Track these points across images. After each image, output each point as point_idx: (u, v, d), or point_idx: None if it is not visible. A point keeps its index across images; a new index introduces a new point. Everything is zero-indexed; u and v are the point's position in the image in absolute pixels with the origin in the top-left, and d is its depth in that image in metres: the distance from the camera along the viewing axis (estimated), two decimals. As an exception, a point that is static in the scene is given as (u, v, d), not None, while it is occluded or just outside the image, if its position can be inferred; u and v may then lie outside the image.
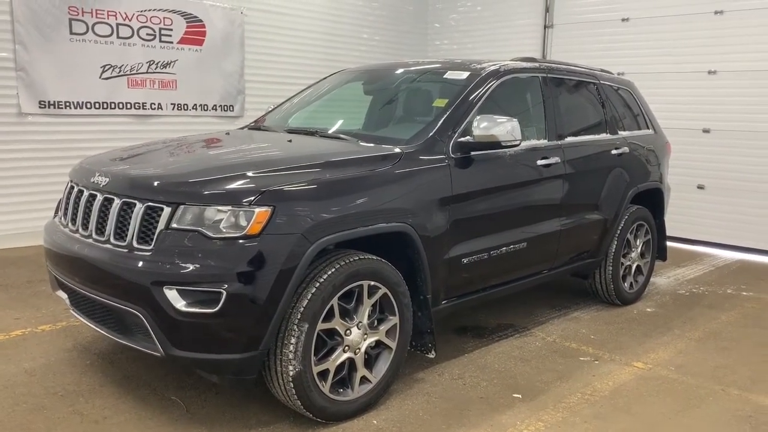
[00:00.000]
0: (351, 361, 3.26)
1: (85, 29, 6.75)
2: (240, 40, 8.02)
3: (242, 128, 4.71)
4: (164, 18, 7.32)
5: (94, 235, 3.18)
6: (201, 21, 7.63)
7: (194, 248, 2.86)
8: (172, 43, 7.42)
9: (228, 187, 2.96)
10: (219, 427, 3.17)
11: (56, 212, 3.74)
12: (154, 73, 7.32)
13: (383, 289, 3.31)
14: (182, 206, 2.92)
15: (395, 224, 3.33)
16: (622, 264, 5.27)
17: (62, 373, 3.70)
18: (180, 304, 2.83)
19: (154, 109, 7.39)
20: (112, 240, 3.08)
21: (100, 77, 6.92)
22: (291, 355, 2.96)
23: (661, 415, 3.49)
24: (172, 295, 2.83)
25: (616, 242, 5.11)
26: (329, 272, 3.05)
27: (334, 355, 3.17)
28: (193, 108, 7.72)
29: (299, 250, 2.93)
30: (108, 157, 3.73)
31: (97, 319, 3.27)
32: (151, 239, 2.95)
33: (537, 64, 4.58)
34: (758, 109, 7.20)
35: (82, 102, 6.83)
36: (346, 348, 3.21)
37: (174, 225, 2.91)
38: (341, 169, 3.28)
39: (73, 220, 3.39)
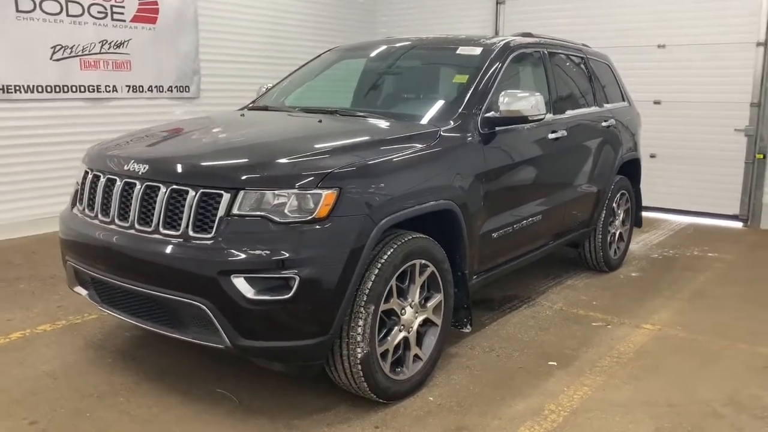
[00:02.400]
0: (405, 340, 3.25)
1: (32, 6, 6.26)
2: (194, 17, 7.68)
3: (242, 109, 4.54)
4: (115, -6, 6.90)
5: (136, 226, 3.00)
6: (153, -3, 7.25)
7: (261, 234, 2.76)
8: (124, 21, 7.01)
9: (292, 170, 2.86)
10: (280, 416, 3.09)
11: (74, 203, 3.49)
12: (107, 53, 6.90)
13: (431, 267, 3.31)
14: (243, 191, 2.79)
15: (442, 201, 3.34)
16: (609, 232, 5.49)
17: (87, 374, 3.49)
18: (250, 292, 2.72)
19: (109, 91, 6.98)
20: (161, 230, 2.92)
21: (50, 58, 6.46)
22: (359, 338, 2.93)
23: (688, 371, 3.69)
24: (240, 283, 2.72)
25: (605, 211, 5.32)
26: (388, 252, 3.02)
27: (391, 335, 3.16)
28: (148, 90, 7.35)
29: (366, 231, 2.88)
30: (133, 142, 3.50)
31: (139, 313, 3.10)
32: (209, 227, 2.82)
33: (537, 39, 4.66)
34: (705, 81, 7.63)
35: (34, 85, 6.36)
36: (402, 327, 3.21)
37: (235, 211, 2.79)
38: (391, 148, 3.24)
39: (105, 211, 3.17)
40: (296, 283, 2.72)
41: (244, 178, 2.83)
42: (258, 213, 2.79)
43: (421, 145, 3.36)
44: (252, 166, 2.90)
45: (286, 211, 2.78)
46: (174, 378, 3.46)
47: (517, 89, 3.88)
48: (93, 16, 6.73)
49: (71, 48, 6.60)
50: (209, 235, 2.81)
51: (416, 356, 3.33)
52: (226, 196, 2.80)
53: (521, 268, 5.15)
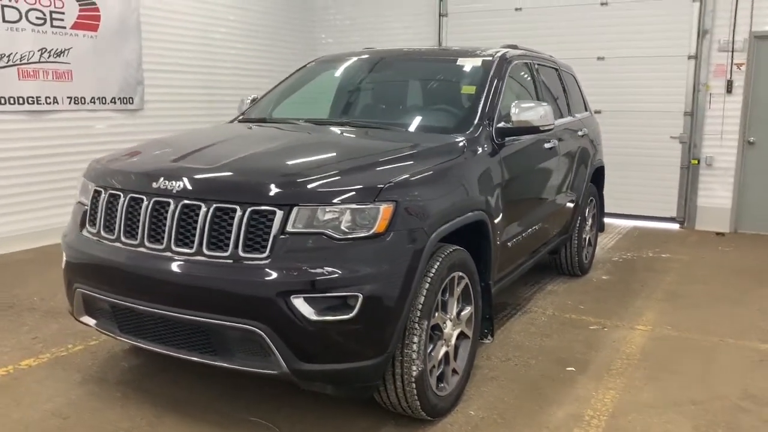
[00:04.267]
0: (446, 355, 3.20)
1: (-36, 11, 5.75)
2: (136, 25, 7.29)
3: (231, 122, 4.34)
4: (54, -1, 6.44)
5: (173, 248, 2.78)
6: (95, 3, 6.81)
7: (320, 252, 2.63)
8: (65, 28, 6.55)
9: (348, 184, 2.75)
10: (329, 442, 2.96)
11: (83, 224, 3.19)
12: (47, 62, 6.43)
13: (466, 279, 3.28)
14: (297, 208, 2.66)
15: (477, 212, 3.32)
16: (581, 237, 5.66)
17: (99, 410, 3.20)
18: (311, 313, 2.59)
19: (50, 103, 6.50)
20: (205, 251, 2.72)
21: (-14, 68, 5.95)
22: (414, 355, 2.85)
23: (695, 369, 3.84)
24: (301, 304, 2.59)
25: (580, 217, 5.49)
26: (435, 266, 2.96)
27: (435, 350, 3.10)
28: (91, 101, 6.91)
29: (421, 245, 2.82)
30: (149, 156, 3.25)
31: (173, 341, 2.87)
32: (263, 246, 2.66)
33: (523, 51, 4.74)
34: (642, 92, 8.08)
35: (-32, 97, 5.83)
36: (443, 342, 3.16)
37: (290, 229, 2.65)
38: (428, 160, 3.18)
39: (130, 233, 2.92)
40: (359, 301, 2.62)
41: (298, 193, 2.69)
42: (315, 230, 2.66)
43: (452, 157, 3.33)
44: (305, 181, 2.75)
45: (343, 226, 2.67)
46: (195, 408, 3.24)
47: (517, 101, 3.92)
48: (31, 23, 6.25)
49: (8, 56, 6.10)
50: (263, 255, 2.65)
51: (453, 370, 3.29)
52: (279, 214, 2.65)
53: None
